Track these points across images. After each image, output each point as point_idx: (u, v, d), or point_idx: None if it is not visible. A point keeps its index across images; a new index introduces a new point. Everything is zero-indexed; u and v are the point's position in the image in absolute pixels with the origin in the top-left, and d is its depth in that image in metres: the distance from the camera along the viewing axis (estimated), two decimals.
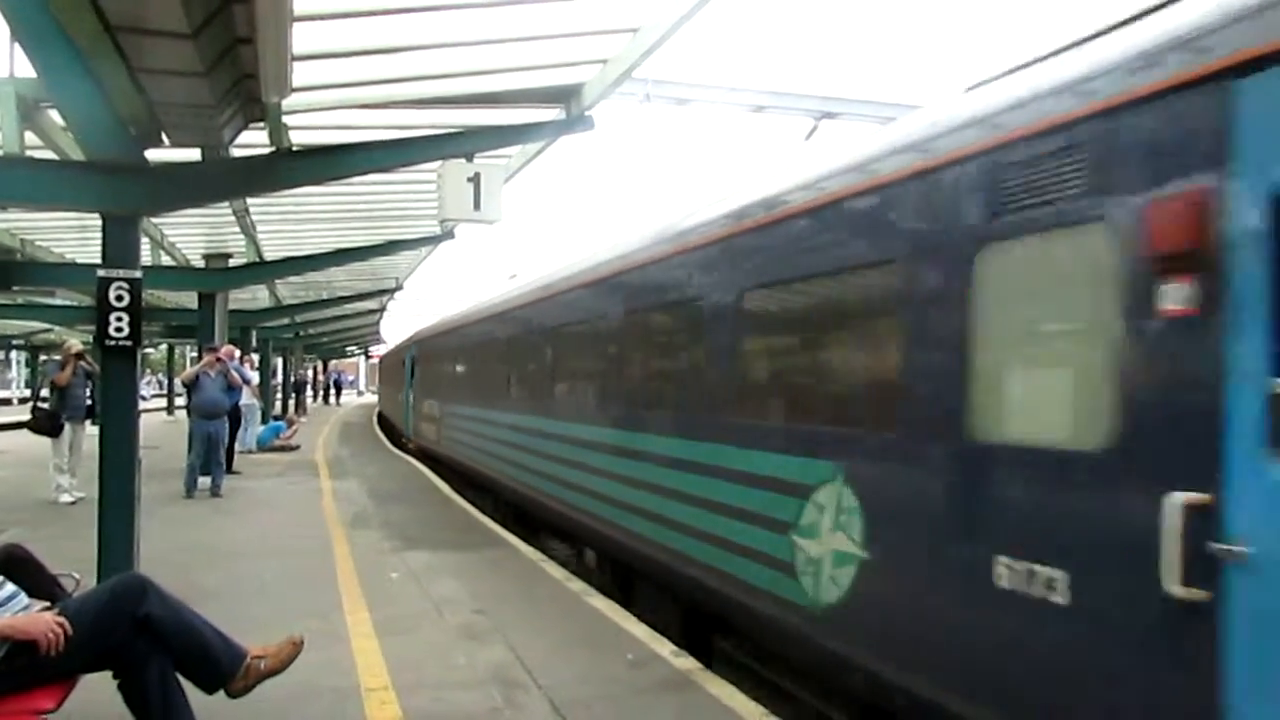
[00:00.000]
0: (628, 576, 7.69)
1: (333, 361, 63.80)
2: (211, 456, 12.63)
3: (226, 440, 13.49)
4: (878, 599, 4.17)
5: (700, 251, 6.07)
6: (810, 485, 4.66)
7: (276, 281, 19.80)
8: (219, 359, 12.99)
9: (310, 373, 52.66)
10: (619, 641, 6.04)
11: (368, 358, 74.56)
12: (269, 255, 15.88)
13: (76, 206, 7.99)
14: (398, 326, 42.80)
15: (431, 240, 15.59)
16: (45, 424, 11.58)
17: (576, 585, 7.81)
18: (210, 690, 3.68)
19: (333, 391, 57.27)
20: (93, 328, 6.60)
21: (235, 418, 14.51)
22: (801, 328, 5.30)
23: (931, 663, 3.83)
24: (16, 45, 5.78)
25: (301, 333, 33.12)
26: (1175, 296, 2.91)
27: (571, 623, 6.53)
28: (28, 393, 54.16)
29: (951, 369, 3.78)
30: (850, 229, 4.61)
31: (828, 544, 4.49)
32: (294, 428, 22.47)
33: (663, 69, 19.24)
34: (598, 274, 8.03)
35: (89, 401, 11.74)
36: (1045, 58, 3.79)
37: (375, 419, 33.92)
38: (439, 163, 7.82)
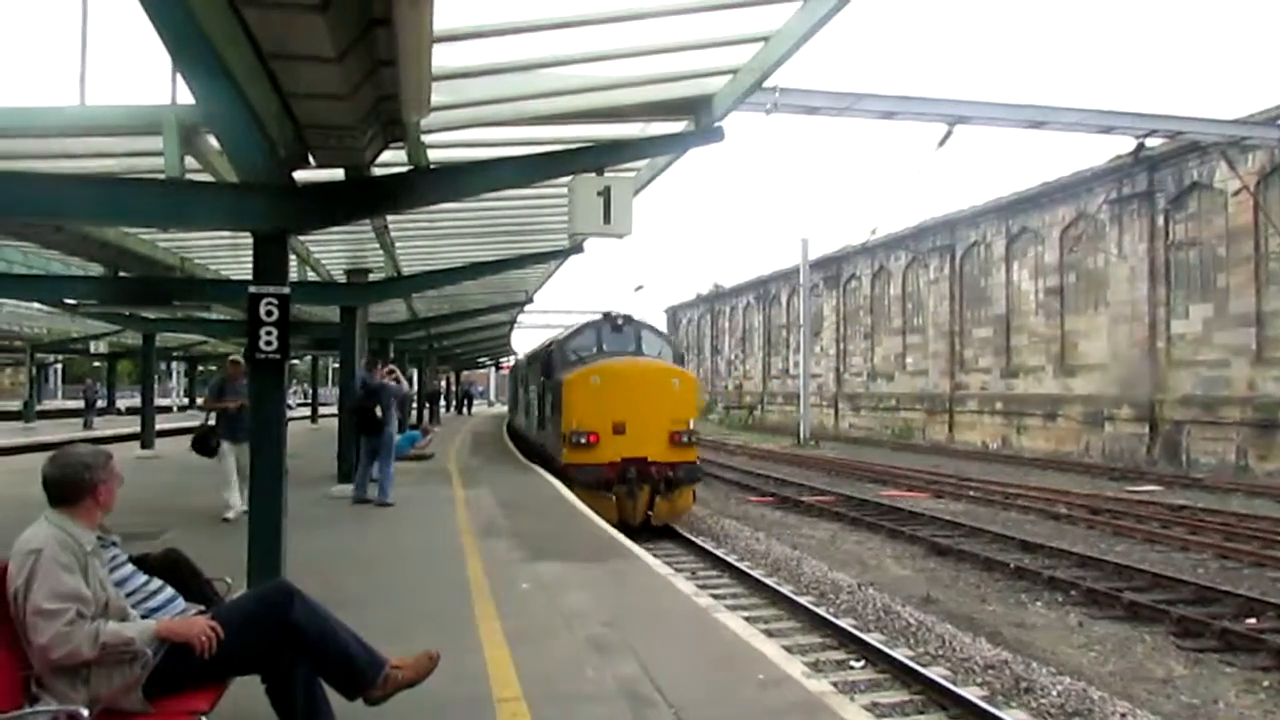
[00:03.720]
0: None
1: (464, 373, 65.49)
2: (369, 465, 13.10)
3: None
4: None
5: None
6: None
7: (413, 295, 20.45)
8: (379, 367, 13.53)
9: (443, 383, 54.21)
10: (749, 660, 5.92)
11: (498, 369, 76.27)
12: (406, 270, 16.41)
13: (231, 226, 8.40)
14: (527, 337, 44.19)
15: (561, 254, 15.81)
16: (199, 445, 11.68)
17: (705, 600, 7.72)
18: (351, 697, 3.77)
19: (464, 402, 58.63)
20: (244, 341, 6.89)
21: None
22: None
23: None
24: (178, 75, 6.11)
25: (436, 344, 34.13)
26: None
27: (700, 639, 6.45)
28: (185, 401, 57.79)
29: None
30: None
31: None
32: (429, 436, 23.16)
33: (789, 77, 19.03)
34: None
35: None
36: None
37: (505, 429, 34.64)
38: (570, 177, 7.88)
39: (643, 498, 15.26)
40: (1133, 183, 28.00)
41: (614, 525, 12.07)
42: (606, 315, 18.38)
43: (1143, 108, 21.85)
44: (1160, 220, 27.70)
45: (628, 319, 18.09)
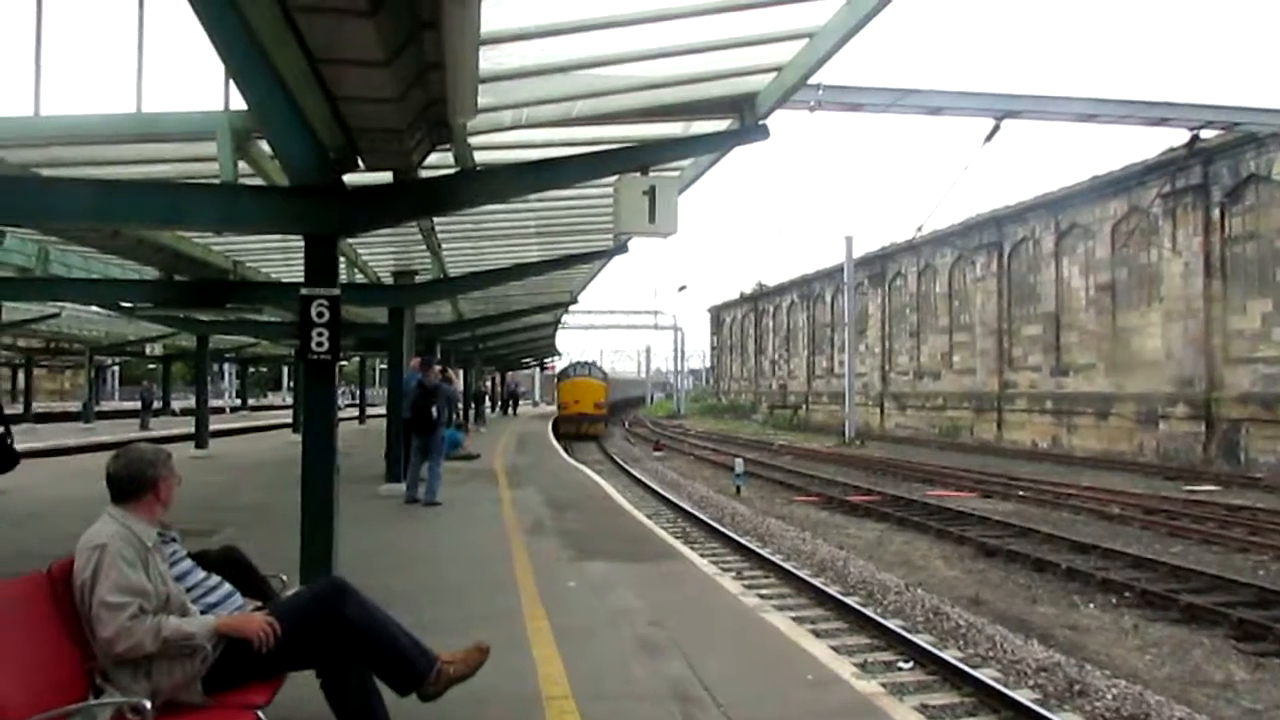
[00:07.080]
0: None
1: (509, 373, 65.89)
2: (420, 465, 13.15)
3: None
4: None
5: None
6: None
7: (459, 296, 20.61)
8: (434, 369, 13.68)
9: (489, 384, 54.69)
10: (797, 660, 5.90)
11: (543, 369, 76.63)
12: (452, 271, 16.55)
13: (283, 229, 8.54)
14: (572, 338, 49.68)
15: (605, 254, 15.86)
16: None
17: (751, 600, 7.71)
18: (404, 693, 3.81)
19: (510, 402, 58.91)
20: (295, 342, 6.99)
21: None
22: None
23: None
24: (231, 82, 6.23)
25: (481, 345, 34.41)
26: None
27: (748, 639, 6.44)
28: (238, 402, 58.85)
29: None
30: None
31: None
32: (468, 435, 23.37)
33: (833, 74, 18.87)
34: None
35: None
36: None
37: (551, 428, 34.92)
38: (614, 176, 7.90)
39: (583, 426, 42.31)
40: (1187, 176, 27.40)
41: (570, 439, 37.19)
42: (577, 361, 53.17)
43: (1197, 99, 21.32)
44: (1216, 214, 27.06)
45: (587, 362, 52.84)
